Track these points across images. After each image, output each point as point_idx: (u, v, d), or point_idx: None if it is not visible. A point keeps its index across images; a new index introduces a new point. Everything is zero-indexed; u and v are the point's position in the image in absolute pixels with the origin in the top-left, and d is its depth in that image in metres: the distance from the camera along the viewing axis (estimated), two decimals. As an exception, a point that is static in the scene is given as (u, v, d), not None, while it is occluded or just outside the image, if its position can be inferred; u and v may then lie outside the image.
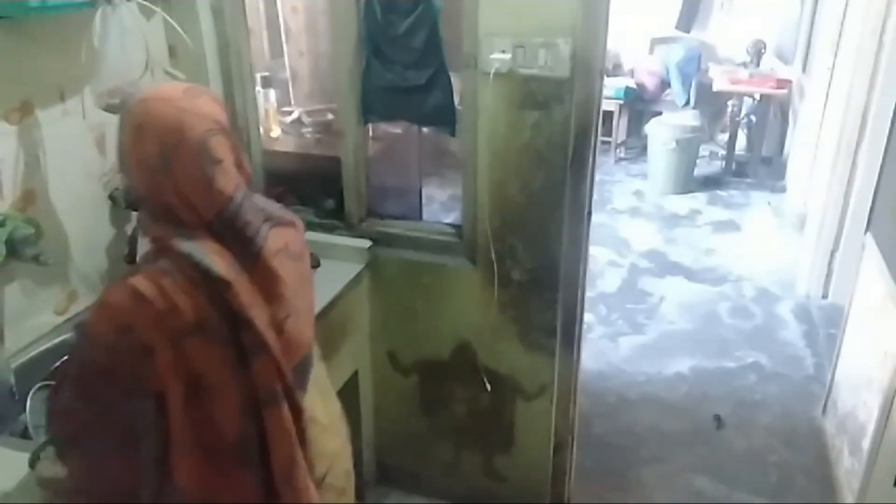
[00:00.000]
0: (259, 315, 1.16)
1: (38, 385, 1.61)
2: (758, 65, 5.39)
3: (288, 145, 2.71)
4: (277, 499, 1.21)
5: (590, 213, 1.99)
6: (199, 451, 1.16)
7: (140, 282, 1.09)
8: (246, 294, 1.15)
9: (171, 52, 2.03)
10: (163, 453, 1.14)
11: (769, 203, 5.08)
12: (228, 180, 1.14)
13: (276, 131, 2.73)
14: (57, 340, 1.76)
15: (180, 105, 1.11)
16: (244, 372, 1.16)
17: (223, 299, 1.12)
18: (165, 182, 1.10)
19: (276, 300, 1.21)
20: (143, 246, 1.20)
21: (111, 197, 1.92)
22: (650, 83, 5.73)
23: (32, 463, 1.27)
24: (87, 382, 1.14)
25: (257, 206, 1.22)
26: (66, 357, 1.21)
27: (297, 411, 1.22)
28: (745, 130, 5.64)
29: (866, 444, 2.20)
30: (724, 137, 5.63)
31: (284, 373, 1.19)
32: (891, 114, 2.53)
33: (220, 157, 1.13)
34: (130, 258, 1.97)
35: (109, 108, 1.66)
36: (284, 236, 1.26)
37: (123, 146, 1.13)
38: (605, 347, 3.38)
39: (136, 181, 1.14)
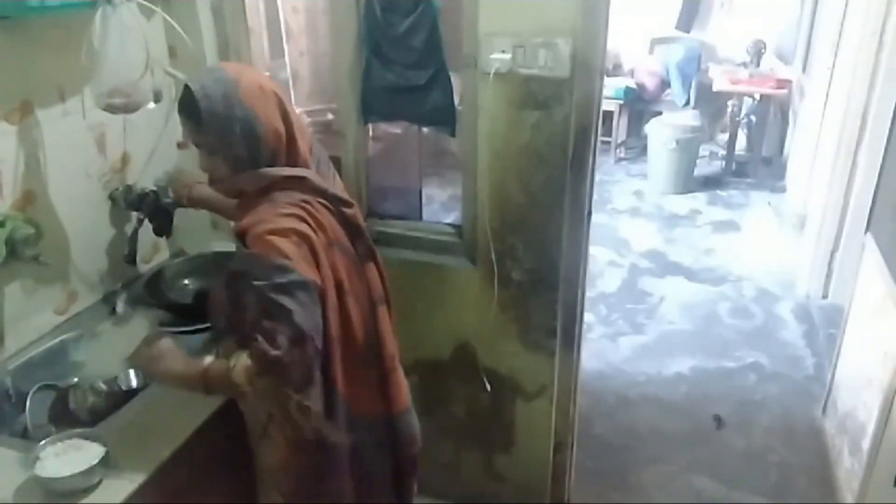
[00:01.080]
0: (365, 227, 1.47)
1: (38, 385, 1.61)
2: (758, 65, 5.39)
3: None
4: (386, 390, 1.52)
5: (590, 213, 1.99)
6: (342, 356, 1.41)
7: (292, 209, 1.32)
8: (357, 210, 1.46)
9: (171, 52, 2.03)
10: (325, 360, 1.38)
11: (769, 203, 5.08)
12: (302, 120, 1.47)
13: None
14: (57, 340, 1.76)
15: (263, 74, 1.46)
16: (362, 276, 1.45)
17: (344, 216, 1.42)
18: (294, 122, 1.38)
19: None
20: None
21: (111, 197, 1.92)
22: (650, 83, 5.73)
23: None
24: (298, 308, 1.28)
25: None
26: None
27: (391, 310, 1.52)
28: (745, 130, 5.64)
29: (866, 444, 2.20)
30: (724, 137, 5.63)
31: (385, 276, 1.50)
32: (891, 114, 2.53)
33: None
34: (130, 258, 1.97)
35: (109, 108, 1.66)
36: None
37: (248, 109, 1.32)
38: (605, 347, 3.38)
39: (266, 134, 1.34)
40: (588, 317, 2.81)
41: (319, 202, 1.38)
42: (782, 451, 2.73)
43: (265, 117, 1.34)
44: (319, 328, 1.32)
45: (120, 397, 1.67)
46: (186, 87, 1.34)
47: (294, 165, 1.39)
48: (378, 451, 1.57)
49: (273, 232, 1.29)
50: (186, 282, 2.02)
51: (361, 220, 1.46)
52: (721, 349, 3.37)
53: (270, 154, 1.36)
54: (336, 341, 1.40)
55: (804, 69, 4.98)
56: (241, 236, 1.35)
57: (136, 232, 1.95)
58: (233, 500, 1.66)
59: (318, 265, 1.33)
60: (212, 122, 1.32)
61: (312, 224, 1.33)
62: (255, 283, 1.26)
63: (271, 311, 1.26)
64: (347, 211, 1.44)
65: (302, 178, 1.37)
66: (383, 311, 1.50)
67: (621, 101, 5.61)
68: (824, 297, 3.74)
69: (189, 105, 1.34)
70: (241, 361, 1.30)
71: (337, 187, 1.49)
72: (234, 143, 1.33)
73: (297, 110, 2.80)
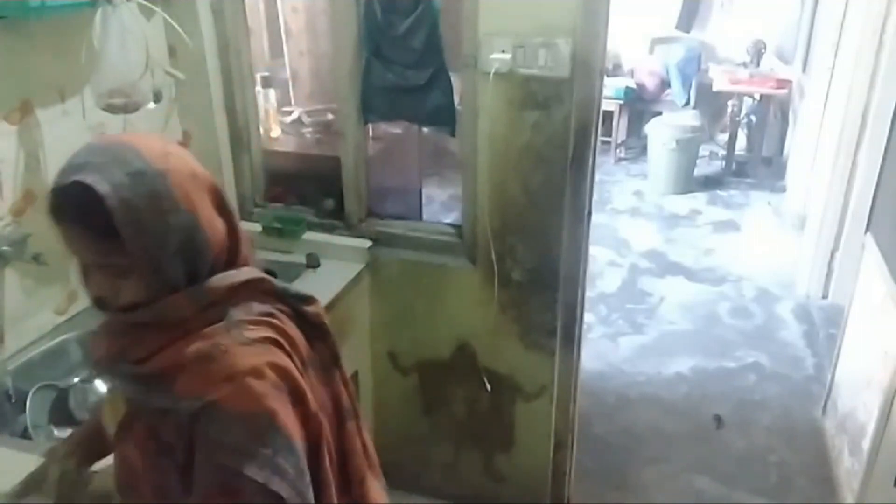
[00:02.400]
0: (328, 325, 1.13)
1: (38, 385, 1.61)
2: (758, 65, 5.39)
3: (288, 145, 2.71)
4: None
5: (590, 213, 1.99)
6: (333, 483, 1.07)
7: (259, 330, 0.97)
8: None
9: (171, 52, 2.03)
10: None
11: (769, 203, 5.08)
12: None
13: (276, 131, 2.73)
14: (57, 340, 1.76)
15: (184, 149, 1.03)
16: (328, 390, 1.10)
17: (304, 317, 1.07)
18: (230, 216, 1.01)
19: None
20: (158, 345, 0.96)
21: (111, 197, 1.92)
22: (650, 83, 5.73)
23: None
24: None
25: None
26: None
27: (360, 422, 1.16)
28: (745, 130, 5.64)
29: (866, 444, 2.20)
30: (724, 137, 5.63)
31: (349, 384, 1.15)
32: (891, 114, 2.53)
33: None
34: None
35: (109, 109, 1.66)
36: None
37: (185, 209, 0.92)
38: (605, 347, 3.38)
39: (201, 241, 0.95)
40: (588, 317, 2.81)
41: (279, 309, 1.03)
42: (782, 451, 2.73)
43: (205, 219, 0.95)
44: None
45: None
46: (81, 185, 0.88)
47: (233, 267, 1.00)
48: None
49: (250, 373, 0.92)
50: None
51: (325, 317, 1.10)
52: (721, 349, 3.37)
53: (210, 263, 0.97)
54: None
55: (804, 69, 4.98)
56: (160, 377, 0.94)
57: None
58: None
59: (305, 404, 0.98)
60: (134, 238, 0.89)
61: (287, 346, 0.99)
62: (226, 459, 0.90)
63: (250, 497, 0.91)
64: (309, 310, 1.07)
65: (259, 282, 1.01)
66: (352, 427, 1.13)
67: (621, 101, 5.61)
68: (824, 297, 3.74)
69: (89, 215, 0.89)
70: None
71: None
72: (166, 261, 0.92)
73: (298, 110, 2.84)
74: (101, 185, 0.88)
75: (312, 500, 0.97)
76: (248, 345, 0.94)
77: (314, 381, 1.05)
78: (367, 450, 1.18)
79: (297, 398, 0.97)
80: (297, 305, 1.06)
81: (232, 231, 1.00)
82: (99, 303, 0.97)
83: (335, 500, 1.05)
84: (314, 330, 1.08)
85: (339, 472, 1.11)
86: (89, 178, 0.88)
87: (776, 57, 5.50)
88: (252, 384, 0.91)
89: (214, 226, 0.97)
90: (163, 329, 0.95)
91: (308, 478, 0.96)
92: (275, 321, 1.00)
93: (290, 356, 0.98)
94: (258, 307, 1.00)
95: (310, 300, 1.08)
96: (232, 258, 1.01)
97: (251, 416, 0.91)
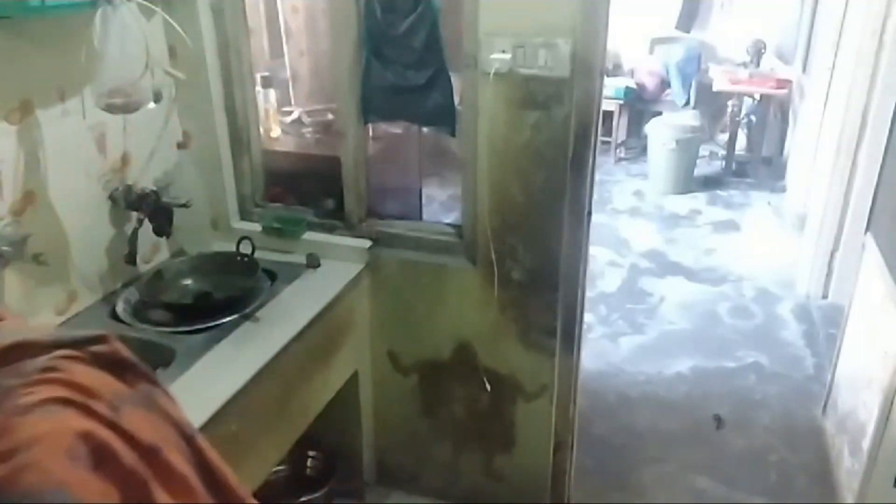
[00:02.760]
0: None
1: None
2: (758, 65, 5.39)
3: (288, 145, 2.71)
4: None
5: (590, 213, 1.99)
6: None
7: (40, 394, 0.79)
8: None
9: (171, 52, 2.03)
10: None
11: (769, 203, 5.08)
12: None
13: (276, 131, 2.73)
14: (57, 340, 1.76)
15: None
16: (162, 416, 0.92)
17: (97, 356, 0.89)
18: None
19: None
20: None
21: (111, 197, 1.92)
22: (650, 83, 5.73)
23: None
24: None
25: None
26: None
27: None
28: (745, 130, 5.64)
29: (866, 444, 2.20)
30: (724, 137, 5.63)
31: (176, 400, 0.96)
32: (891, 114, 2.53)
33: None
34: (130, 258, 1.97)
35: (109, 108, 1.66)
36: None
37: None
38: (605, 347, 3.38)
39: None
40: (588, 317, 2.81)
41: (65, 356, 0.88)
42: (782, 450, 2.73)
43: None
44: None
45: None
46: None
47: None
48: None
49: (30, 443, 0.77)
50: (186, 282, 2.02)
51: (124, 350, 0.93)
52: (721, 349, 3.37)
53: None
54: None
55: (804, 69, 4.98)
56: None
57: (135, 232, 1.94)
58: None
59: (116, 460, 0.82)
60: None
61: (80, 398, 0.84)
62: None
63: None
64: (101, 349, 0.92)
65: (19, 345, 0.84)
66: (203, 442, 0.97)
67: (621, 101, 5.61)
68: (824, 297, 3.74)
69: None
70: None
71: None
72: None
73: (298, 110, 2.84)
74: None
75: None
76: (26, 413, 0.78)
77: (136, 417, 0.88)
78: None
79: (104, 457, 0.80)
80: (83, 348, 0.89)
81: None
82: None
83: None
84: (115, 366, 0.91)
85: (208, 485, 0.92)
86: None
87: (776, 57, 5.50)
88: (37, 457, 0.76)
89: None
90: None
91: None
92: (57, 375, 0.82)
93: (86, 408, 0.82)
94: (32, 365, 0.84)
95: (99, 339, 0.89)
96: None
97: (40, 496, 0.74)
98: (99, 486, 0.77)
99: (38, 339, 0.85)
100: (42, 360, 0.82)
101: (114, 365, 0.89)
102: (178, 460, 0.88)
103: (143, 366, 0.92)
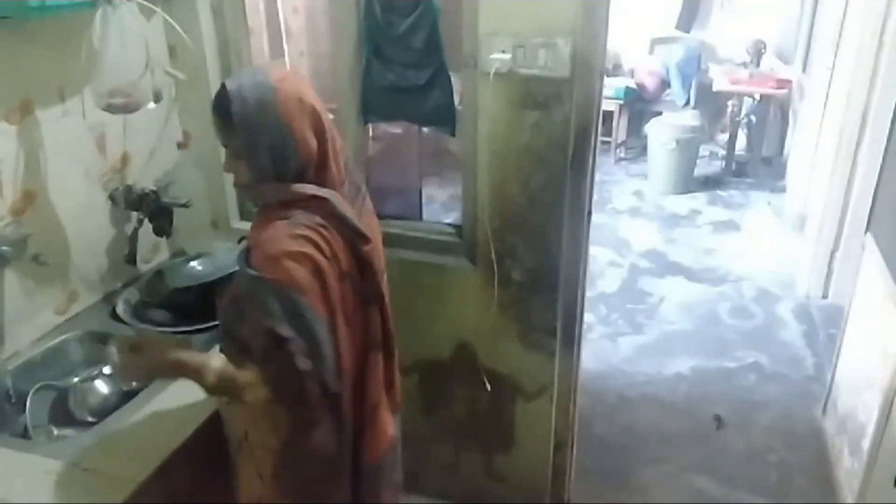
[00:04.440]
0: (379, 267, 1.39)
1: (38, 385, 1.61)
2: (758, 65, 5.39)
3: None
4: (359, 439, 1.43)
5: (590, 213, 1.99)
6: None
7: (309, 231, 1.24)
8: (377, 251, 1.37)
9: (171, 52, 2.03)
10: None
11: (769, 203, 5.08)
12: (341, 140, 1.38)
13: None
14: (57, 340, 1.76)
15: (302, 78, 1.36)
16: (362, 316, 1.37)
17: (359, 251, 1.32)
18: (329, 139, 1.30)
19: (379, 253, 1.43)
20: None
21: (111, 197, 1.92)
22: (650, 83, 5.73)
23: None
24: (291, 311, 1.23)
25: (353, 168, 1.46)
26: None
27: (391, 357, 1.46)
28: (745, 130, 5.64)
29: (866, 444, 2.20)
30: (724, 137, 5.63)
31: (389, 323, 1.42)
32: (891, 114, 2.53)
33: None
34: (130, 258, 1.97)
35: (109, 108, 1.66)
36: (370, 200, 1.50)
37: (283, 119, 1.24)
38: (605, 347, 3.38)
39: (297, 147, 1.26)
40: (588, 317, 2.81)
41: (337, 229, 1.29)
42: (782, 451, 2.73)
43: (298, 132, 1.25)
44: (329, 366, 1.29)
45: (120, 397, 1.67)
46: (223, 84, 1.27)
47: (322, 185, 1.30)
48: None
49: (288, 256, 1.21)
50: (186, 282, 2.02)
51: (378, 259, 1.37)
52: (721, 349, 3.37)
53: (298, 170, 1.28)
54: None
55: (804, 69, 4.98)
56: (249, 251, 1.27)
57: (136, 232, 1.95)
58: (234, 499, 1.66)
59: (328, 297, 1.26)
60: (241, 126, 1.25)
61: (327, 252, 1.25)
62: (265, 315, 1.21)
63: (279, 348, 1.23)
64: (364, 247, 1.33)
65: (324, 201, 1.28)
66: (375, 358, 1.42)
67: (621, 101, 5.61)
68: (824, 297, 3.74)
69: (222, 104, 1.26)
70: (246, 376, 1.26)
71: (365, 212, 1.42)
72: (260, 153, 1.25)
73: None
74: (231, 84, 1.26)
75: (323, 346, 1.26)
76: (293, 238, 1.22)
77: (347, 293, 1.31)
78: (391, 384, 1.49)
79: (321, 282, 1.24)
80: (353, 236, 1.31)
81: (322, 154, 1.30)
82: (234, 183, 1.35)
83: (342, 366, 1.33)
84: (363, 265, 1.34)
85: (353, 391, 1.38)
86: (227, 82, 1.27)
87: (776, 57, 5.50)
88: (291, 267, 1.21)
89: (305, 140, 1.26)
90: (261, 212, 1.32)
91: (324, 337, 1.26)
92: (324, 232, 1.26)
93: (328, 259, 1.25)
94: (318, 219, 1.26)
95: (366, 238, 1.33)
96: (321, 177, 1.30)
97: (287, 290, 1.21)
98: (323, 310, 1.26)
99: (336, 208, 1.29)
100: (325, 221, 1.27)
101: (362, 262, 1.35)
102: (346, 351, 1.34)
103: (378, 282, 1.39)
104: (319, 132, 1.28)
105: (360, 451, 1.45)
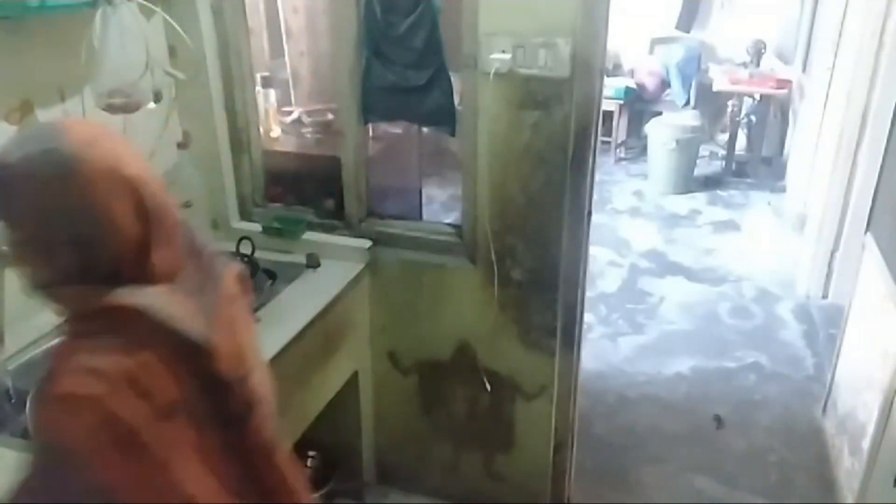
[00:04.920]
0: (238, 375, 1.00)
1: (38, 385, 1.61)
2: (758, 65, 5.39)
3: (288, 145, 2.71)
4: None
5: (590, 213, 1.99)
6: None
7: (108, 362, 0.87)
8: (226, 352, 0.96)
9: (171, 52, 2.03)
10: None
11: (769, 203, 5.08)
12: (177, 212, 1.01)
13: (276, 131, 2.73)
14: (57, 340, 1.76)
15: (122, 142, 0.98)
16: (234, 439, 1.01)
17: (202, 368, 0.94)
18: (147, 225, 0.94)
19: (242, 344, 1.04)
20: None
21: (111, 197, 1.92)
22: (650, 83, 5.73)
23: None
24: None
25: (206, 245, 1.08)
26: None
27: (283, 454, 1.10)
28: (745, 130, 5.64)
29: (866, 444, 2.20)
30: (724, 137, 5.63)
31: (264, 436, 1.06)
32: (891, 114, 2.53)
33: (163, 185, 0.99)
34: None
35: (109, 108, 1.66)
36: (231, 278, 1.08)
37: (89, 202, 0.89)
38: (605, 347, 3.38)
39: (99, 240, 0.91)
40: (588, 317, 2.81)
41: (165, 346, 0.92)
42: (782, 451, 2.73)
43: (111, 216, 0.90)
44: None
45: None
46: None
47: (148, 281, 0.94)
48: None
49: (62, 401, 0.86)
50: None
51: (231, 372, 0.98)
52: (721, 349, 3.37)
53: (111, 267, 0.92)
54: None
55: (804, 69, 4.98)
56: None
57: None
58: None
59: (137, 451, 0.88)
60: (29, 213, 0.89)
61: (137, 389, 0.88)
62: (29, 477, 0.88)
63: None
64: (209, 363, 0.95)
65: (139, 314, 0.91)
66: (275, 460, 1.08)
67: (621, 101, 5.61)
68: (824, 297, 3.73)
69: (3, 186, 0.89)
70: None
71: (223, 300, 1.01)
72: (56, 248, 0.90)
73: (298, 110, 2.84)
74: (11, 156, 0.88)
75: None
76: (80, 373, 0.87)
77: (187, 427, 0.95)
78: (287, 484, 1.10)
79: (114, 435, 0.86)
80: (189, 352, 0.93)
81: (143, 242, 0.94)
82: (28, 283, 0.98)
83: None
84: (213, 385, 0.97)
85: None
86: (5, 151, 0.89)
87: (776, 57, 5.50)
88: (56, 413, 0.86)
89: (122, 226, 0.91)
90: (65, 324, 0.97)
91: None
92: (133, 359, 0.89)
93: (134, 397, 0.88)
94: (129, 340, 0.90)
95: (207, 353, 0.95)
96: (143, 264, 0.94)
97: (46, 449, 0.88)
98: (115, 474, 0.87)
99: (157, 318, 0.92)
100: (139, 340, 0.91)
101: (211, 382, 0.97)
102: (228, 474, 1.01)
103: (248, 394, 1.02)
104: (142, 212, 0.93)
105: None
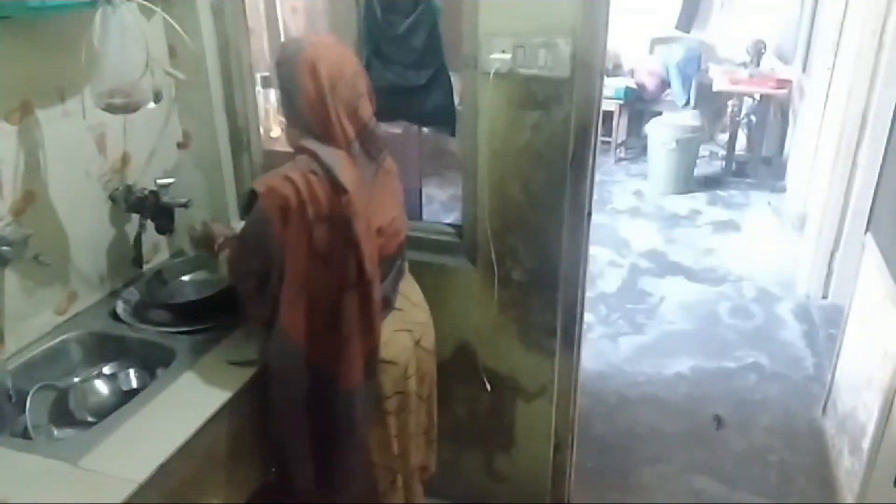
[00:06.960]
0: (362, 220, 1.53)
1: (38, 385, 1.61)
2: (758, 65, 5.39)
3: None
4: (339, 364, 1.60)
5: (590, 213, 1.99)
6: (302, 307, 1.56)
7: (296, 175, 1.49)
8: (359, 202, 1.52)
9: (171, 52, 2.03)
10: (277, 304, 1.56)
11: (769, 203, 5.08)
12: (366, 109, 1.60)
13: (276, 131, 2.74)
14: (57, 340, 1.76)
15: (339, 51, 1.58)
16: (341, 256, 1.54)
17: (336, 201, 1.50)
18: (330, 105, 1.51)
19: (384, 207, 1.67)
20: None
21: (111, 197, 1.92)
22: (650, 83, 5.73)
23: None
24: (254, 237, 1.59)
25: (380, 134, 1.66)
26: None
27: (368, 301, 1.58)
28: (745, 130, 5.64)
29: (866, 444, 2.20)
30: (724, 137, 5.63)
31: (365, 269, 1.55)
32: (891, 114, 2.53)
33: (363, 91, 1.58)
34: (137, 262, 1.97)
35: (109, 108, 1.66)
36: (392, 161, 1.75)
37: (296, 80, 1.51)
38: (605, 347, 3.38)
39: (304, 106, 1.52)
40: (588, 317, 2.81)
41: (326, 178, 1.51)
42: (782, 451, 2.73)
43: (305, 92, 1.50)
44: (263, 254, 1.56)
45: (120, 397, 1.67)
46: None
47: (329, 140, 1.53)
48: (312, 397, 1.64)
49: (269, 187, 1.50)
50: (186, 282, 2.02)
51: (350, 209, 1.52)
52: (721, 349, 3.37)
53: (306, 122, 1.53)
54: (298, 286, 1.55)
55: (804, 69, 4.98)
56: None
57: (139, 236, 1.95)
58: (234, 499, 1.66)
59: (289, 228, 1.50)
60: (276, 75, 1.56)
61: (304, 195, 1.48)
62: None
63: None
64: (342, 197, 1.52)
65: (316, 156, 1.51)
66: (349, 296, 1.57)
67: (621, 101, 5.61)
68: (824, 297, 3.74)
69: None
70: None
71: (382, 172, 1.68)
72: (283, 101, 1.58)
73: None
74: (286, 42, 1.61)
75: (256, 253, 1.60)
76: (282, 177, 1.50)
77: (324, 234, 1.52)
78: (369, 328, 1.60)
79: (283, 214, 1.50)
80: (333, 187, 1.50)
81: (325, 115, 1.52)
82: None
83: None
84: (338, 212, 1.51)
85: (327, 323, 1.58)
86: (287, 41, 1.68)
87: (776, 57, 5.50)
88: (265, 191, 1.50)
89: (310, 101, 1.52)
90: (294, 151, 1.59)
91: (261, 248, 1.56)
92: (311, 177, 1.50)
93: (300, 199, 1.48)
94: (314, 166, 1.51)
95: (342, 190, 1.50)
96: (328, 133, 1.54)
97: (259, 210, 1.53)
98: (279, 221, 1.52)
99: (323, 161, 1.51)
100: (311, 169, 1.52)
101: (337, 210, 1.53)
102: (326, 281, 1.58)
103: (354, 233, 1.54)
104: (321, 99, 1.50)
105: (334, 379, 1.61)
